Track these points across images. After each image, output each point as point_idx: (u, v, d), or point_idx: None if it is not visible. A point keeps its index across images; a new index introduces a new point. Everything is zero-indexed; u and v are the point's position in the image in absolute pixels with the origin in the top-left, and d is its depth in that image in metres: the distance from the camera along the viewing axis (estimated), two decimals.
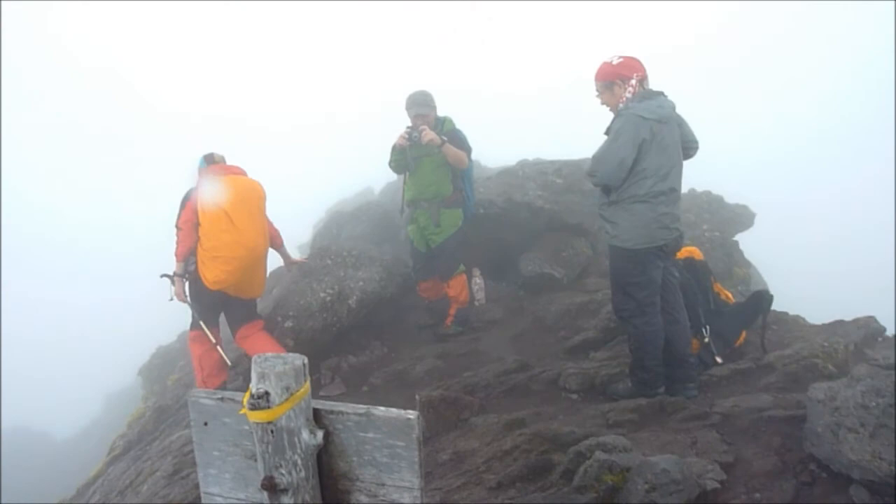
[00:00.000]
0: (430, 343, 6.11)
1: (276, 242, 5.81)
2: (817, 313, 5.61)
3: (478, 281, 6.90)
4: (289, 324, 5.72)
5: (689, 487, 3.16)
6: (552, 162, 7.64)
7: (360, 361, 5.95)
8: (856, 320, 4.98)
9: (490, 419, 4.31)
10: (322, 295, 5.75)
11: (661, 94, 4.25)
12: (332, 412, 1.62)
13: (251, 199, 5.31)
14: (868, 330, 4.81)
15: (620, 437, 3.44)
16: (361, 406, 1.61)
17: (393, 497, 1.60)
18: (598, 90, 4.32)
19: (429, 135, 5.55)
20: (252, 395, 1.49)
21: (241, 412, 1.55)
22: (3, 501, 12.46)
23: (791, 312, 5.56)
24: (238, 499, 1.73)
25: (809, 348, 4.56)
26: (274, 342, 5.49)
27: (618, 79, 4.17)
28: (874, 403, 3.36)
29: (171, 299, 5.46)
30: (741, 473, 3.41)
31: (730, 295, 5.12)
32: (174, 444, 4.92)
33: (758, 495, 3.25)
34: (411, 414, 1.56)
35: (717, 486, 3.24)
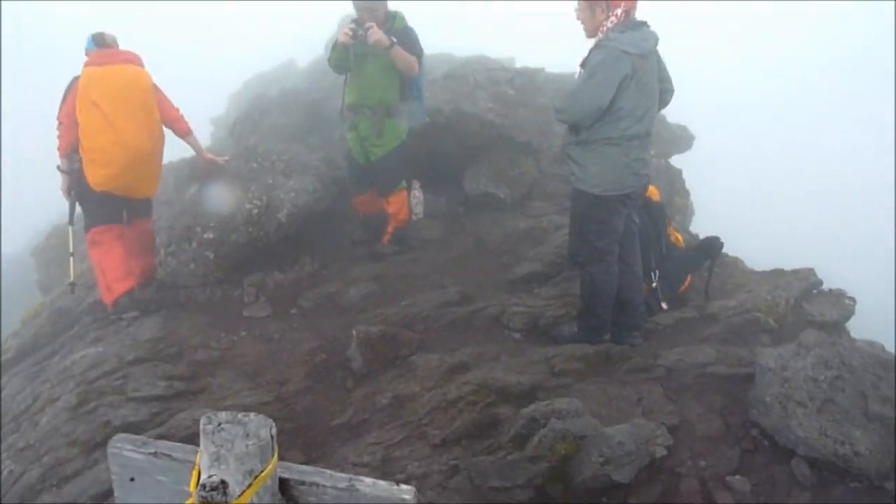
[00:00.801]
0: (364, 262, 5.74)
1: (179, 129, 5.30)
2: (756, 260, 5.65)
3: (417, 194, 6.49)
4: (209, 235, 5.18)
5: (640, 457, 3.10)
6: (504, 70, 7.08)
7: (288, 279, 5.53)
8: (795, 272, 5.02)
9: (432, 360, 4.09)
10: (248, 206, 5.19)
11: (644, 24, 3.83)
12: (304, 483, 1.27)
13: (131, 93, 4.83)
14: (807, 283, 4.86)
15: (575, 401, 3.30)
16: (342, 477, 1.27)
17: None
18: (578, 6, 3.84)
19: (376, 34, 4.87)
20: (203, 486, 1.11)
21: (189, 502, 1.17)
22: None
23: (731, 255, 5.56)
24: None
25: (752, 300, 4.56)
26: (149, 248, 5.31)
27: (603, 1, 3.69)
28: (822, 377, 3.36)
29: None
30: (685, 437, 3.39)
31: (680, 238, 5.02)
32: (77, 367, 4.43)
33: (703, 463, 3.24)
34: (407, 493, 1.24)
35: (665, 452, 3.20)
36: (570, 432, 3.07)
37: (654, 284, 4.58)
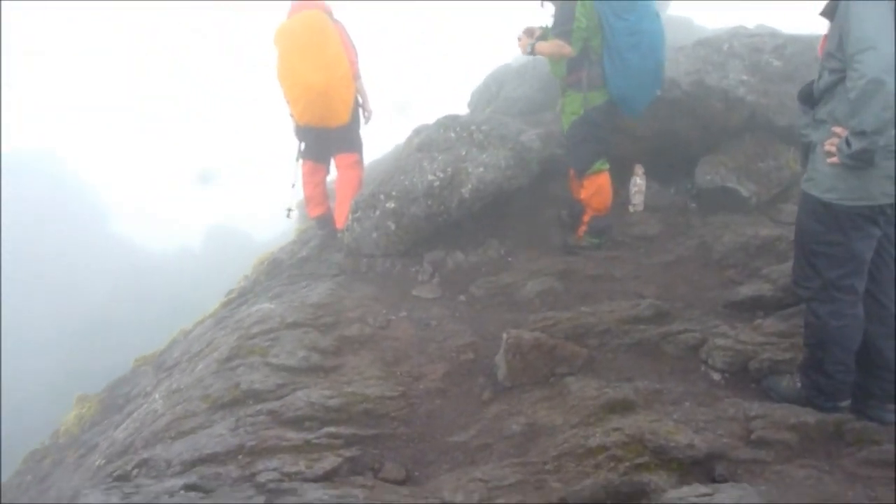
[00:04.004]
0: (555, 253, 4.99)
1: (353, 72, 5.51)
2: None
3: (638, 181, 5.48)
4: (390, 204, 4.89)
5: None
6: (774, 35, 5.59)
7: (469, 262, 5.02)
8: None
9: (589, 387, 3.25)
10: (430, 178, 4.77)
11: None
12: None
13: (305, 37, 5.17)
14: None
15: (754, 494, 2.24)
16: None
17: None
18: None
19: (521, 44, 4.77)
20: None
21: None
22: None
23: None
24: None
25: None
26: (354, 184, 5.60)
27: None
28: None
29: None
30: None
31: None
32: (248, 320, 4.48)
33: None
34: None
35: None
36: None
37: None
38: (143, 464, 3.03)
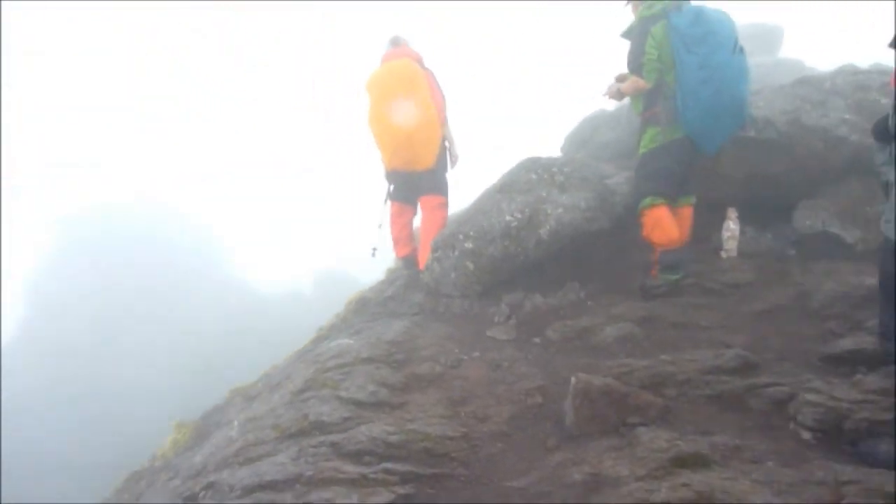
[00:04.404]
0: (637, 298, 4.80)
1: (441, 118, 5.62)
2: None
3: (731, 226, 5.21)
4: (469, 245, 4.92)
5: None
6: (882, 72, 5.21)
7: (548, 304, 4.92)
8: None
9: (660, 439, 3.06)
10: (508, 218, 4.77)
11: None
12: None
13: (394, 84, 5.40)
14: None
15: None
16: None
17: None
18: None
19: (610, 90, 4.78)
20: None
21: None
22: None
23: None
24: None
25: None
26: (438, 226, 5.70)
27: None
28: None
29: None
30: None
31: None
32: (325, 354, 4.61)
33: None
34: None
35: None
36: None
37: None
38: (209, 486, 3.16)
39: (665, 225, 4.65)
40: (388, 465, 3.07)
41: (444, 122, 5.66)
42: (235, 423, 4.23)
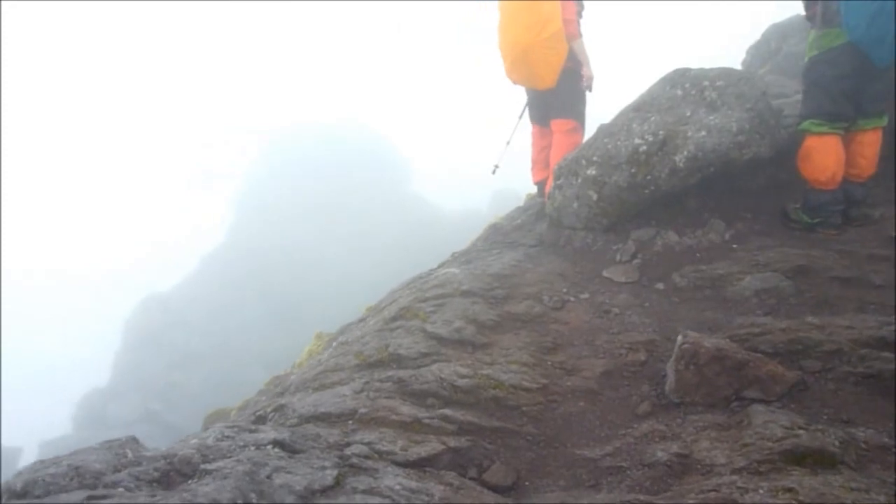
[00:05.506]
0: (796, 244, 3.93)
1: (568, 32, 4.96)
2: None
3: None
4: (592, 171, 4.31)
5: None
6: None
7: (683, 244, 4.22)
8: None
9: (777, 423, 2.45)
10: (637, 141, 4.06)
11: None
12: None
13: None
14: None
15: None
16: None
17: None
18: None
19: None
20: None
21: None
22: None
23: None
24: None
25: None
26: (566, 151, 5.10)
27: None
28: None
29: None
30: None
31: None
32: (428, 283, 4.38)
33: None
34: None
35: None
36: None
37: None
38: (279, 409, 3.12)
39: (816, 159, 3.74)
40: (448, 412, 2.81)
41: (575, 36, 4.99)
42: (335, 344, 4.21)
